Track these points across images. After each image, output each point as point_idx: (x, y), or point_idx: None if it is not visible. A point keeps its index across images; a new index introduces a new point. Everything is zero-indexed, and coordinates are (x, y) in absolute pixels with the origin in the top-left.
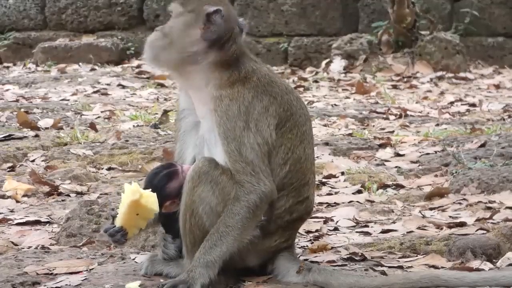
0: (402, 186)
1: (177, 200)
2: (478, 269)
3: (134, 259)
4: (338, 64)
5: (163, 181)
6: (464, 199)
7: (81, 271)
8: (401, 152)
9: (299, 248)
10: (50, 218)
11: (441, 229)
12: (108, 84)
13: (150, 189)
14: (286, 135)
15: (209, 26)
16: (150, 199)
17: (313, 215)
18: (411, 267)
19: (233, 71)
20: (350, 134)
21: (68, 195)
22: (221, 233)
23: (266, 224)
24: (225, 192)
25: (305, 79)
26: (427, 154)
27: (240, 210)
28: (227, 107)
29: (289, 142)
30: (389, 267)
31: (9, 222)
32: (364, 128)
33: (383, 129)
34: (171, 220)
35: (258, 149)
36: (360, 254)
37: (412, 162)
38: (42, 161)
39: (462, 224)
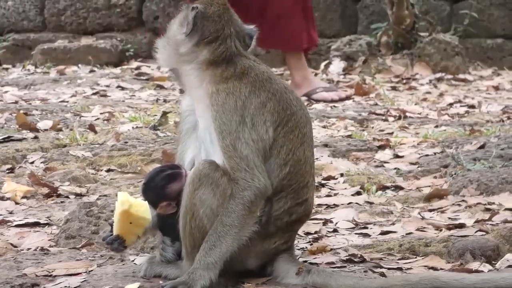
0: (401, 188)
1: (173, 203)
2: (477, 271)
3: (133, 261)
4: (337, 65)
5: (165, 180)
6: (463, 200)
7: (80, 273)
8: (400, 154)
9: (298, 249)
10: (49, 219)
11: (440, 230)
12: (107, 86)
13: (150, 185)
14: (288, 135)
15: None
16: (141, 208)
17: (312, 217)
18: (410, 268)
19: (228, 68)
20: (349, 136)
21: (67, 197)
22: (219, 233)
23: (265, 226)
24: (226, 194)
25: None
26: (426, 155)
27: (235, 207)
28: (224, 100)
29: (291, 143)
30: (388, 268)
31: (8, 224)
32: (363, 130)
33: (382, 130)
34: (169, 224)
35: (252, 144)
36: (359, 255)
37: (411, 163)
38: (41, 162)
39: (461, 226)
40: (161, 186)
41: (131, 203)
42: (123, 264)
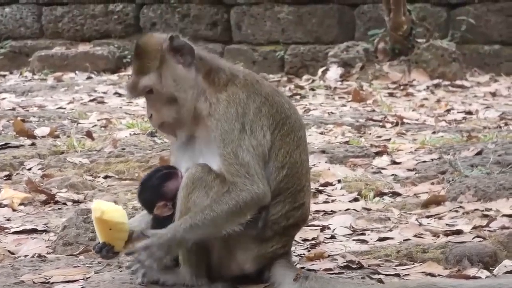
0: (398, 194)
1: (169, 204)
2: (475, 277)
3: (130, 267)
4: (334, 72)
5: (162, 178)
6: (460, 206)
7: (77, 280)
8: (397, 160)
9: (296, 256)
10: (47, 226)
11: (438, 237)
12: (104, 93)
13: (147, 185)
14: (284, 138)
15: (181, 53)
16: (115, 213)
17: (309, 223)
18: (408, 275)
19: (218, 73)
20: (346, 142)
21: (65, 204)
22: (205, 215)
23: (262, 230)
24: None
25: (302, 87)
26: (424, 162)
27: (228, 201)
28: (225, 109)
29: (287, 146)
30: (386, 275)
31: (5, 230)
32: (361, 136)
33: (380, 137)
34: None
35: (253, 151)
36: (357, 262)
37: (409, 170)
38: (39, 169)
39: (459, 232)
40: (158, 184)
41: (103, 210)
42: (121, 271)
